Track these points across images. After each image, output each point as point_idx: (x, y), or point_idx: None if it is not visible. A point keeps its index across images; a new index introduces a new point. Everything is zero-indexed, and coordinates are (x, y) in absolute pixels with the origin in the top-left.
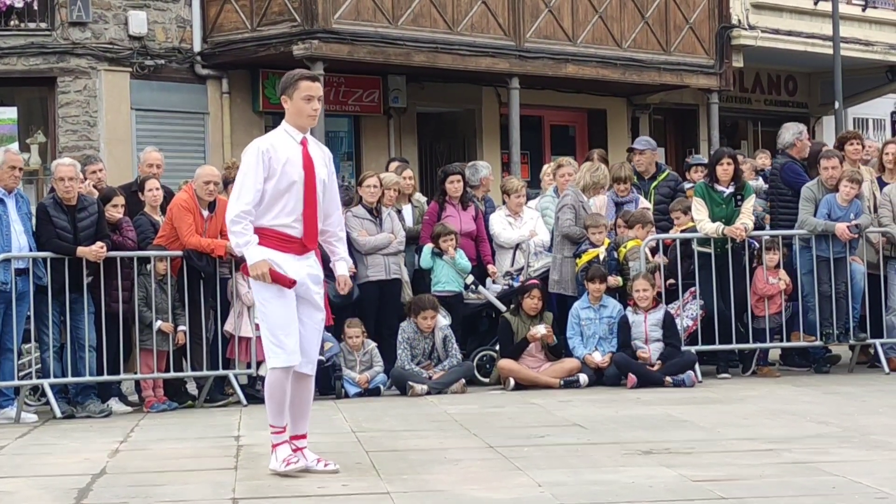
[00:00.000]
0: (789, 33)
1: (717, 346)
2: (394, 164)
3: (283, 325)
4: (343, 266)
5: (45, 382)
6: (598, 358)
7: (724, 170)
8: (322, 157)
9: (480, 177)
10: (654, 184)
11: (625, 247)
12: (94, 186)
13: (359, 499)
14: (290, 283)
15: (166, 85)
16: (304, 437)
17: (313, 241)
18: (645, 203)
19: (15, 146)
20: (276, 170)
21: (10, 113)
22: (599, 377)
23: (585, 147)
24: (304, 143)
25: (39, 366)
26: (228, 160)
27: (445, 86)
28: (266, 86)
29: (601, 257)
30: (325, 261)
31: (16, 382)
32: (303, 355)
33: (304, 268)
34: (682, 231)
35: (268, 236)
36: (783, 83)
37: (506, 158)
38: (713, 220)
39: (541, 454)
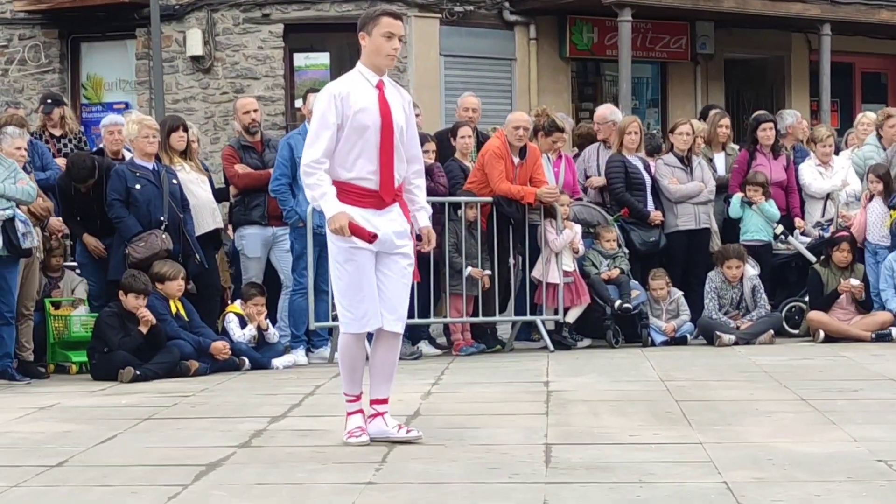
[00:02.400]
0: None
1: None
2: (713, 112)
3: (354, 290)
4: (424, 216)
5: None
6: None
7: None
8: (400, 101)
9: (787, 125)
10: None
11: None
12: None
13: (671, 448)
14: (370, 237)
15: (474, 31)
16: (384, 401)
17: (390, 193)
18: None
19: None
20: (348, 116)
21: (323, 58)
22: None
23: None
24: (380, 86)
25: None
26: (537, 107)
27: (754, 32)
28: (573, 31)
29: None
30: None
31: (330, 323)
32: (390, 312)
33: (385, 223)
34: None
35: (344, 191)
36: None
37: (815, 106)
38: None
39: (855, 408)
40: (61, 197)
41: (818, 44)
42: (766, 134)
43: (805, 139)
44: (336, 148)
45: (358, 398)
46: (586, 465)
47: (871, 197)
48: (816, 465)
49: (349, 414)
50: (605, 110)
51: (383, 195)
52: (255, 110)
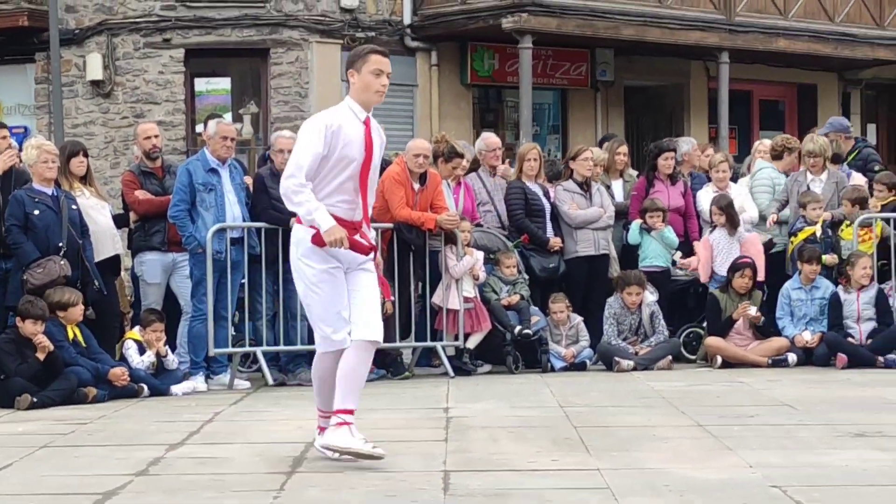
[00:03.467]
0: None
1: None
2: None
3: (333, 307)
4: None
5: (258, 350)
6: (808, 337)
7: None
8: (379, 142)
9: (683, 152)
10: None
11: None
12: None
13: (569, 474)
14: (367, 250)
15: None
16: (329, 417)
17: (366, 220)
18: (858, 179)
19: (228, 116)
20: (336, 148)
21: (224, 83)
22: (808, 357)
23: (795, 122)
24: (367, 122)
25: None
26: (437, 133)
27: (654, 59)
28: (474, 58)
29: (818, 234)
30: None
31: (229, 350)
32: (366, 324)
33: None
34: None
35: None
36: None
37: (713, 133)
38: None
39: (751, 434)
40: None
41: (717, 71)
42: (667, 163)
43: (700, 166)
44: (318, 174)
45: (352, 412)
46: (485, 491)
47: (714, 229)
48: (712, 490)
49: (341, 424)
50: (494, 138)
51: (364, 222)
52: (155, 136)
